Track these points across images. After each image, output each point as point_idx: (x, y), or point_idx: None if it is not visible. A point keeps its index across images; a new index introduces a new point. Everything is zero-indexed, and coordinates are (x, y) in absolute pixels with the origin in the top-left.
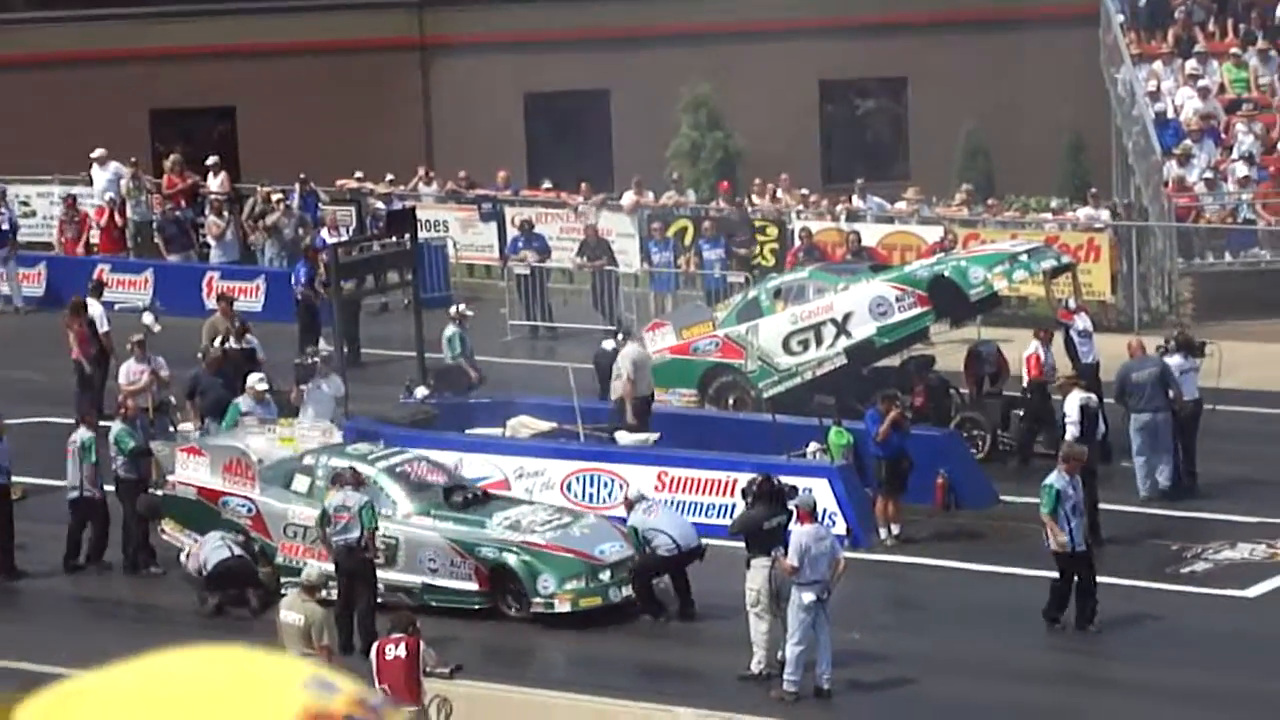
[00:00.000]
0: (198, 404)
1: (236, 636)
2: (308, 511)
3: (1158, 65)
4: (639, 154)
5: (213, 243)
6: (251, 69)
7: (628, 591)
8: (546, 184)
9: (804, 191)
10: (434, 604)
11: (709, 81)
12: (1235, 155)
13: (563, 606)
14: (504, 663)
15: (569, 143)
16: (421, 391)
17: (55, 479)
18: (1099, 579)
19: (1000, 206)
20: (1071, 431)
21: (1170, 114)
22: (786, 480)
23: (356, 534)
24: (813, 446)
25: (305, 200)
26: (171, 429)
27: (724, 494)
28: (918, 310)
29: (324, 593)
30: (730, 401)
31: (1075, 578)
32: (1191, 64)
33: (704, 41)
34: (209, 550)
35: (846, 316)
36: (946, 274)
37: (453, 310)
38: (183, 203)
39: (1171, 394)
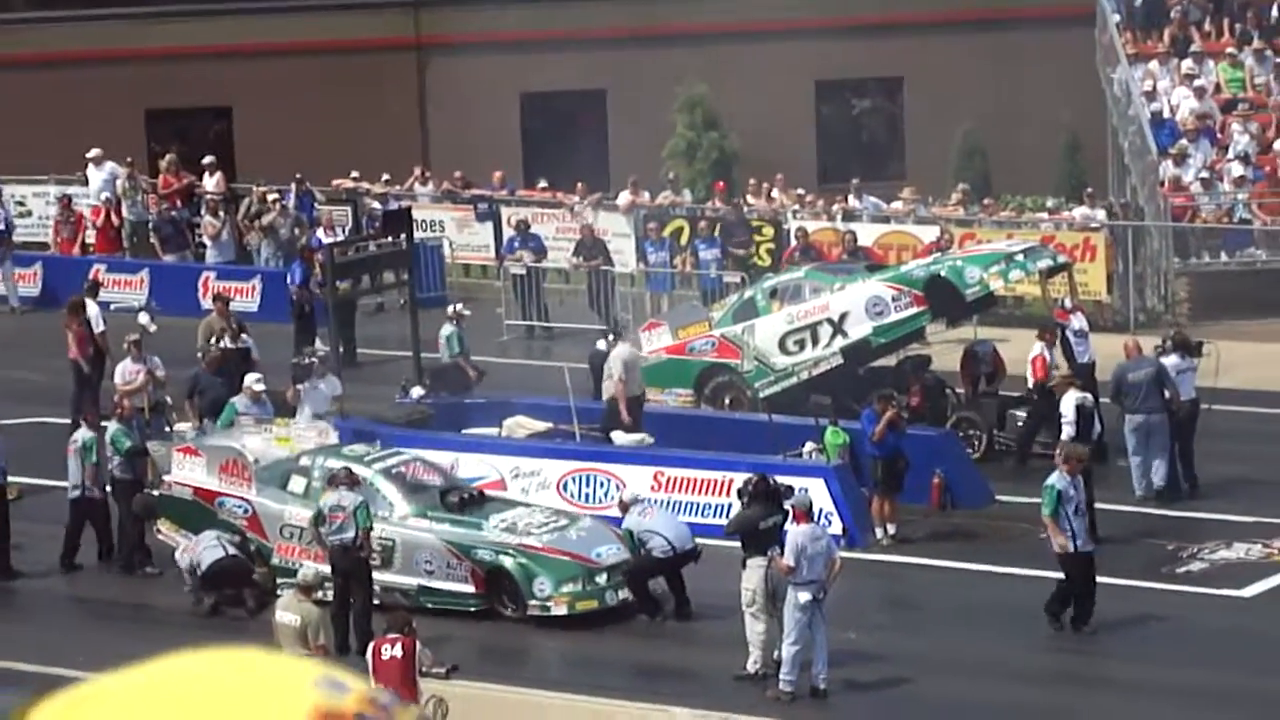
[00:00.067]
0: (197, 403)
1: (232, 637)
2: (304, 513)
3: (1154, 65)
4: (635, 154)
5: (208, 243)
6: (247, 69)
7: (624, 595)
8: (542, 184)
9: (800, 191)
10: (430, 606)
11: (705, 81)
12: (1231, 155)
13: (559, 609)
14: (500, 663)
15: (565, 142)
16: (417, 391)
17: (52, 479)
18: (1096, 579)
19: (996, 206)
20: (1067, 431)
21: (1166, 114)
22: (782, 480)
23: (351, 534)
24: (809, 446)
25: (301, 200)
26: (167, 429)
27: (720, 494)
28: (914, 310)
29: (320, 593)
30: (726, 401)
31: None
32: (1187, 64)
33: (700, 41)
34: (203, 550)
35: (843, 316)
36: (943, 274)
37: (450, 310)
38: (178, 203)
39: (1168, 394)
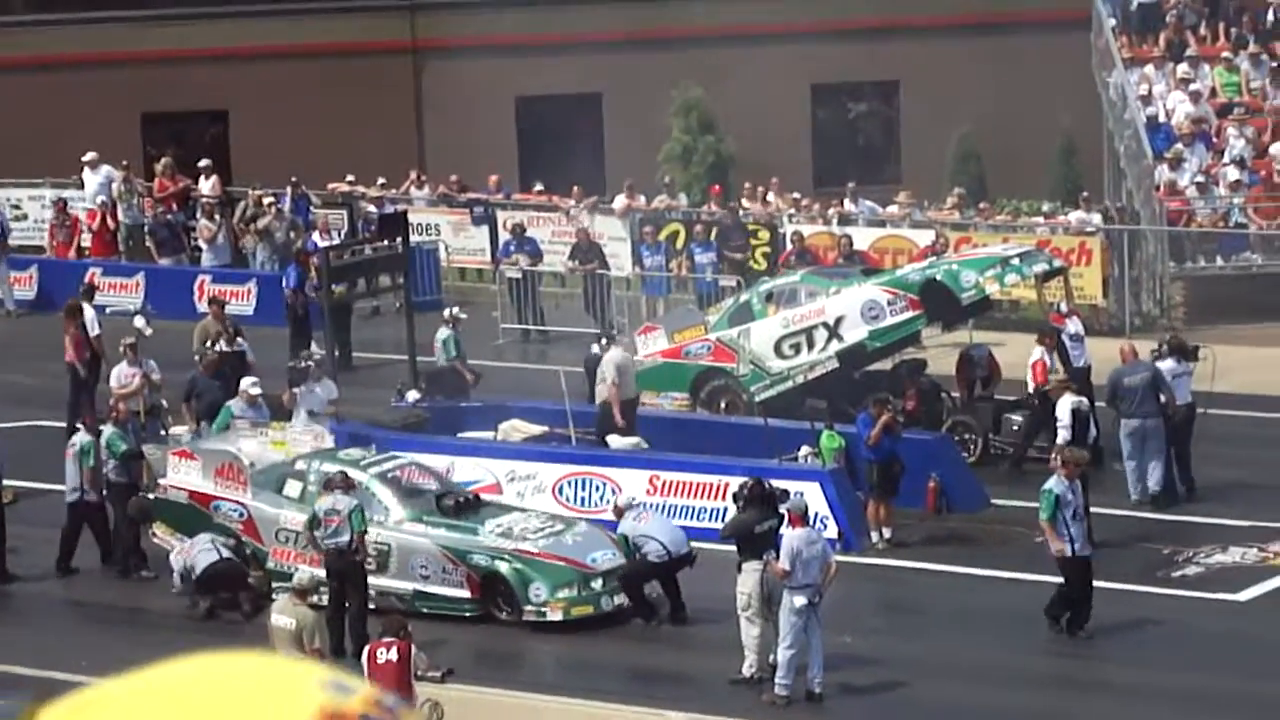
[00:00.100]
0: (194, 407)
1: (228, 640)
2: (299, 517)
3: (1149, 69)
4: (631, 158)
5: (204, 246)
6: (243, 72)
7: (619, 600)
8: (538, 187)
9: (796, 195)
10: (426, 610)
11: (701, 85)
12: (1227, 159)
13: (554, 615)
14: (495, 667)
15: (561, 146)
16: (413, 395)
17: (47, 482)
18: (1093, 584)
19: (992, 210)
20: (1063, 435)
21: (1162, 118)
22: (778, 484)
23: (347, 537)
24: (804, 450)
25: (297, 203)
26: (163, 432)
27: (715, 498)
28: (909, 314)
29: (315, 597)
30: (722, 405)
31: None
32: (1183, 68)
33: (696, 45)
34: (197, 553)
35: (838, 320)
36: (938, 278)
37: (446, 313)
38: (174, 206)
39: (1163, 399)
